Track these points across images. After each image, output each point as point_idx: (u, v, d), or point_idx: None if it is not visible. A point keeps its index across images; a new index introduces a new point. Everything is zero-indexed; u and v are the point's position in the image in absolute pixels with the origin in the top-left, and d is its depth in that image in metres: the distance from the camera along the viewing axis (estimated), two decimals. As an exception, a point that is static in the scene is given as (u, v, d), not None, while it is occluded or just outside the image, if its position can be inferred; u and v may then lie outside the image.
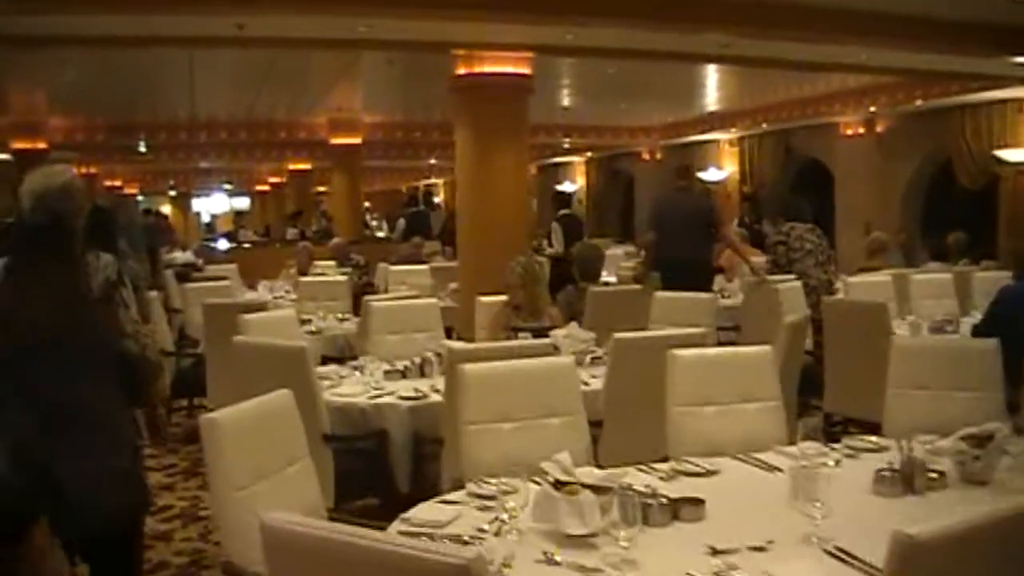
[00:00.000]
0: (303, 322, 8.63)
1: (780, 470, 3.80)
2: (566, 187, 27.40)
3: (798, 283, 8.90)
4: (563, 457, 3.16)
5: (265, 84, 13.60)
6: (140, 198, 34.02)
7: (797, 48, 9.91)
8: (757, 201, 19.16)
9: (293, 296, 11.57)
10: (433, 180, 39.00)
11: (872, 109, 15.46)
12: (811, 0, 8.52)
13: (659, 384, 4.44)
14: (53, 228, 3.36)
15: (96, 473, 3.06)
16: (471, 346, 5.64)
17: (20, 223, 3.58)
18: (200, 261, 18.45)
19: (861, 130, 16.58)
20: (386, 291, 11.77)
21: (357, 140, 18.38)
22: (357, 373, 6.06)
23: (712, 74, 14.47)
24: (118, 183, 29.68)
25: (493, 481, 3.41)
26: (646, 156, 23.40)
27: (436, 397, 5.33)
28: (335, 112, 17.26)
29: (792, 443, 4.14)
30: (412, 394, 5.38)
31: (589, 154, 26.10)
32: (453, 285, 11.05)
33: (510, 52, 9.34)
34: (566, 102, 16.38)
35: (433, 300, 7.37)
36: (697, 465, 3.85)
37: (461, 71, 9.69)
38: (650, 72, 13.28)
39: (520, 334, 6.56)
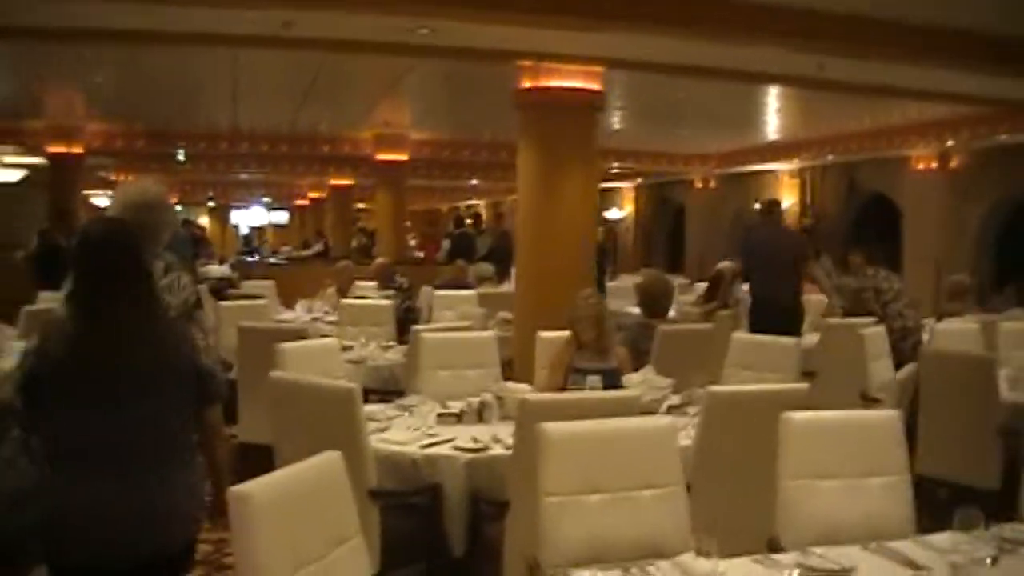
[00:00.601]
0: (343, 348, 8.06)
1: (928, 568, 3.15)
2: (613, 214, 26.76)
3: (881, 328, 8.28)
4: (686, 560, 2.50)
5: (310, 95, 13.04)
6: (179, 208, 33.68)
7: (892, 72, 9.22)
8: (816, 234, 18.47)
9: (332, 318, 11.05)
10: (474, 200, 38.57)
11: (950, 143, 14.65)
12: (910, 19, 7.87)
13: (758, 447, 3.80)
14: (127, 246, 3.27)
15: (176, 491, 3.18)
16: (546, 397, 4.95)
17: (90, 237, 3.37)
18: (236, 275, 17.98)
19: (933, 165, 15.79)
20: (429, 318, 11.27)
21: (404, 157, 17.70)
22: (406, 414, 5.44)
23: (774, 102, 13.83)
24: (157, 193, 29.36)
25: (589, 576, 2.79)
26: (699, 184, 22.72)
27: (498, 449, 4.69)
28: (382, 127, 16.62)
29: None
30: (471, 445, 4.73)
31: (639, 180, 25.41)
32: (504, 314, 10.42)
33: (581, 65, 8.60)
34: (617, 124, 15.68)
35: (489, 333, 6.73)
36: (823, 558, 3.19)
37: (527, 85, 8.93)
38: (713, 97, 12.60)
39: (588, 377, 5.92)
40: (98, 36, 8.24)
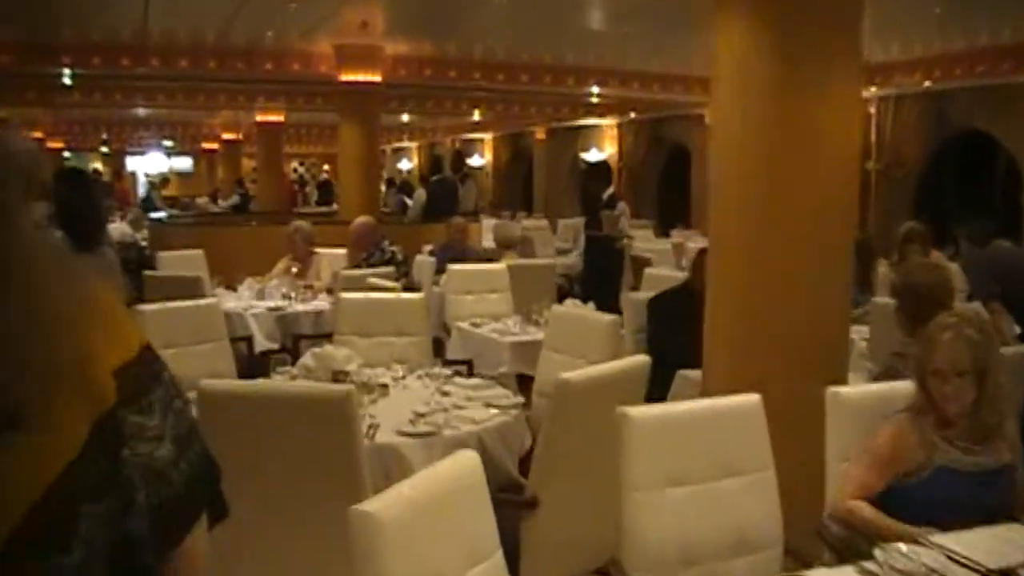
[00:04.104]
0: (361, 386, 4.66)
1: None
2: (592, 156, 23.24)
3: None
4: None
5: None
6: (67, 155, 29.81)
7: None
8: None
9: (300, 307, 8.17)
10: (406, 143, 35.22)
11: None
12: None
13: None
14: None
15: None
16: None
17: None
18: (139, 237, 14.41)
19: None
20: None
21: (376, 77, 13.70)
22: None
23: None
24: (39, 135, 24.99)
25: None
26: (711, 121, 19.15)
27: None
28: (355, 34, 12.60)
29: None
30: None
31: (633, 115, 21.82)
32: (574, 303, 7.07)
33: None
34: (596, 24, 12.01)
35: (756, 399, 3.29)
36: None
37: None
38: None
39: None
40: None
